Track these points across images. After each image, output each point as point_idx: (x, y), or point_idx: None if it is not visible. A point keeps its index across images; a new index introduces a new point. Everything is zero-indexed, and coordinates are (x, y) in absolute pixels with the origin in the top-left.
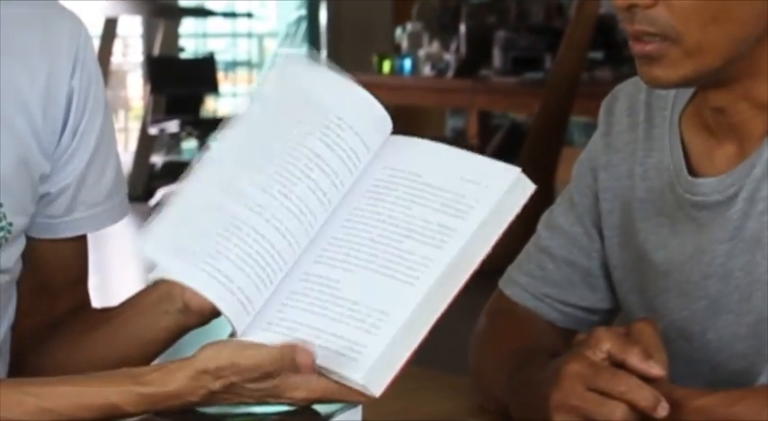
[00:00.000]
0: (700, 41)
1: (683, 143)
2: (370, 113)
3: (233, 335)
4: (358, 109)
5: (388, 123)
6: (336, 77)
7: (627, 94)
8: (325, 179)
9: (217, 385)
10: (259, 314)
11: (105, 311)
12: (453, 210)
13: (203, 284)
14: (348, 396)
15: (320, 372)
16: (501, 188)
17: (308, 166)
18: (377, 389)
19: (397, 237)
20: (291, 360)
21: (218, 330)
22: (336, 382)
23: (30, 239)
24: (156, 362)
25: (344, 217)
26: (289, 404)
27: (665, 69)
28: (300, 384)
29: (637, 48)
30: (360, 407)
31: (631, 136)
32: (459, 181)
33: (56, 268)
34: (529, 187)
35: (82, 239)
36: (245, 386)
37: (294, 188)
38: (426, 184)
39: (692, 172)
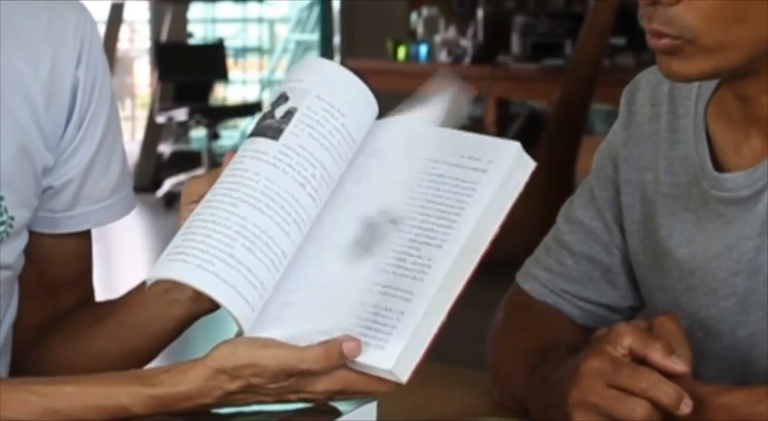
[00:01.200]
0: (720, 40)
1: (708, 135)
2: (357, 97)
3: (239, 333)
4: (344, 92)
5: (374, 108)
6: (323, 62)
7: (649, 83)
8: (312, 169)
9: (233, 385)
10: (263, 311)
11: (108, 304)
12: (459, 189)
13: (208, 285)
14: (370, 385)
15: None
16: (503, 164)
17: (297, 157)
18: (404, 375)
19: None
20: (339, 354)
21: (222, 326)
22: (357, 372)
23: (32, 234)
24: (155, 363)
25: (338, 207)
26: (307, 400)
27: (682, 63)
28: (321, 377)
29: (652, 42)
30: (375, 404)
31: (653, 127)
32: (459, 160)
33: (58, 264)
34: (529, 164)
35: (86, 234)
36: (264, 385)
37: (282, 181)
38: (424, 168)
39: (719, 166)
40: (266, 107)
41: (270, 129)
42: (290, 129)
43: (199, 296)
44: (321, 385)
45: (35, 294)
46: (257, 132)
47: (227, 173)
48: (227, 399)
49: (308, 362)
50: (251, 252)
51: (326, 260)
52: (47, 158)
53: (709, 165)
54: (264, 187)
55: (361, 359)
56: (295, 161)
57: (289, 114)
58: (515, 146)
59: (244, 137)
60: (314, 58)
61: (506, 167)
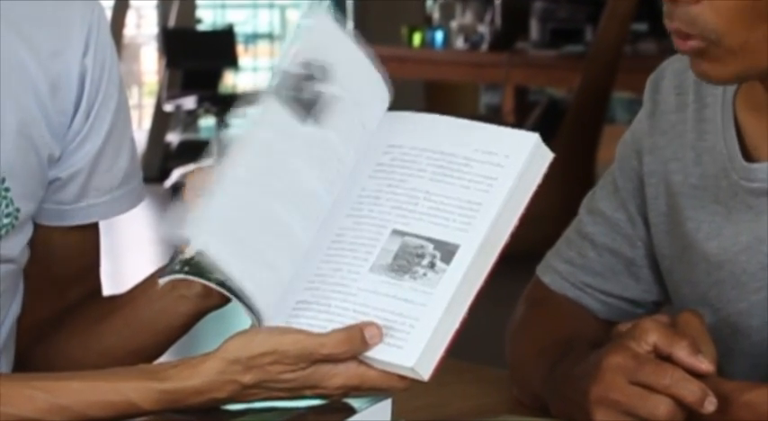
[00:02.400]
0: (745, 41)
1: (737, 125)
2: (372, 85)
3: (253, 326)
4: (360, 79)
5: (387, 97)
6: (345, 41)
7: (674, 72)
8: (327, 162)
9: (248, 377)
10: (279, 307)
11: (114, 300)
12: (475, 184)
13: (244, 276)
14: (388, 382)
15: (359, 359)
16: (521, 157)
17: (319, 149)
18: (427, 373)
19: (418, 220)
20: (361, 340)
21: (232, 322)
22: (375, 369)
23: (38, 227)
24: (163, 358)
25: (354, 202)
26: (322, 397)
27: (713, 65)
28: (338, 372)
29: (677, 44)
30: (389, 401)
31: (679, 117)
32: (474, 154)
33: (65, 257)
34: (548, 155)
35: (93, 227)
36: (280, 377)
37: (304, 172)
38: (440, 161)
39: (748, 156)
40: (290, 66)
41: (296, 105)
42: (315, 116)
43: (207, 291)
44: (338, 380)
45: (40, 289)
46: (282, 100)
47: (246, 141)
48: (240, 394)
49: (329, 347)
50: (273, 246)
51: (344, 258)
52: (53, 148)
53: (739, 156)
54: (291, 181)
55: (382, 356)
56: (316, 152)
57: (314, 97)
58: (533, 138)
59: None
60: (332, 30)
61: (524, 161)
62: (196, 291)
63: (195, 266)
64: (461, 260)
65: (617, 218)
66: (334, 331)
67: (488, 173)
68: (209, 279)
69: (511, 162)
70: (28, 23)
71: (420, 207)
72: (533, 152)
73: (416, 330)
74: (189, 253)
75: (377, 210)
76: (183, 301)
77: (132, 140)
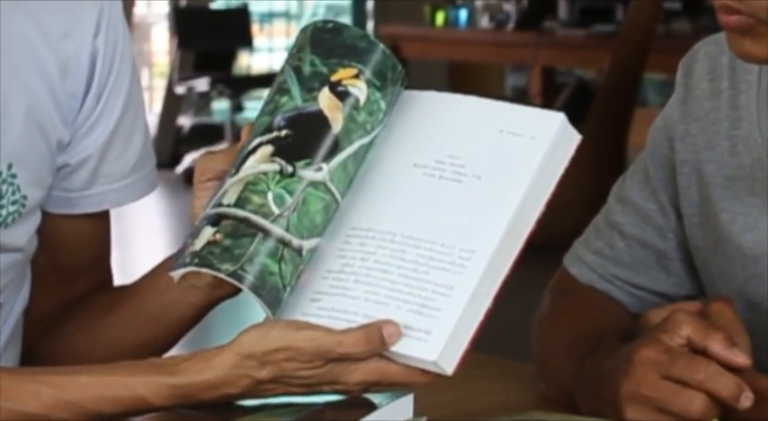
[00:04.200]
0: None
1: None
2: (384, 64)
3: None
4: (376, 62)
5: (401, 76)
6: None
7: (707, 55)
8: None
9: (263, 373)
10: (294, 301)
11: (122, 290)
12: (500, 167)
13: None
14: (409, 377)
15: (380, 354)
16: (547, 138)
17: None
18: (450, 367)
19: (442, 206)
20: (380, 339)
21: (245, 313)
22: (396, 363)
23: (46, 215)
24: (175, 351)
25: (370, 184)
26: (341, 392)
27: (757, 44)
28: (357, 367)
29: (722, 19)
30: (411, 397)
31: (713, 104)
32: (498, 135)
33: (74, 247)
34: (575, 136)
35: (103, 215)
36: (296, 373)
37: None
38: (460, 145)
39: None
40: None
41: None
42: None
43: (218, 281)
44: (357, 375)
45: (48, 280)
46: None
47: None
48: (255, 389)
49: (346, 346)
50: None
51: (364, 247)
52: (62, 133)
53: None
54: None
55: (404, 350)
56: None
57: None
58: (560, 117)
59: None
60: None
61: (551, 142)
62: (206, 281)
63: (204, 258)
64: (485, 248)
65: (648, 207)
66: (352, 330)
67: (513, 155)
68: (218, 269)
69: (537, 143)
70: (37, 3)
71: (442, 189)
72: (560, 133)
73: (439, 322)
74: (198, 244)
75: (397, 199)
76: (193, 292)
77: (145, 125)
